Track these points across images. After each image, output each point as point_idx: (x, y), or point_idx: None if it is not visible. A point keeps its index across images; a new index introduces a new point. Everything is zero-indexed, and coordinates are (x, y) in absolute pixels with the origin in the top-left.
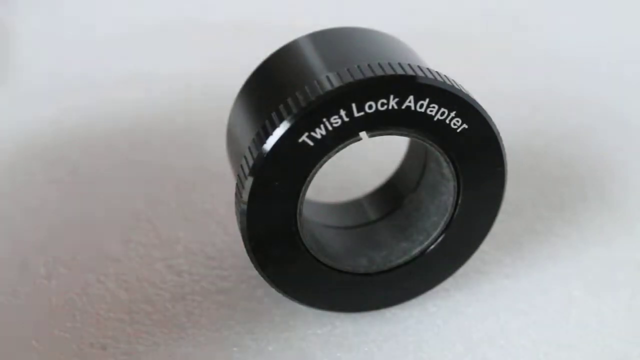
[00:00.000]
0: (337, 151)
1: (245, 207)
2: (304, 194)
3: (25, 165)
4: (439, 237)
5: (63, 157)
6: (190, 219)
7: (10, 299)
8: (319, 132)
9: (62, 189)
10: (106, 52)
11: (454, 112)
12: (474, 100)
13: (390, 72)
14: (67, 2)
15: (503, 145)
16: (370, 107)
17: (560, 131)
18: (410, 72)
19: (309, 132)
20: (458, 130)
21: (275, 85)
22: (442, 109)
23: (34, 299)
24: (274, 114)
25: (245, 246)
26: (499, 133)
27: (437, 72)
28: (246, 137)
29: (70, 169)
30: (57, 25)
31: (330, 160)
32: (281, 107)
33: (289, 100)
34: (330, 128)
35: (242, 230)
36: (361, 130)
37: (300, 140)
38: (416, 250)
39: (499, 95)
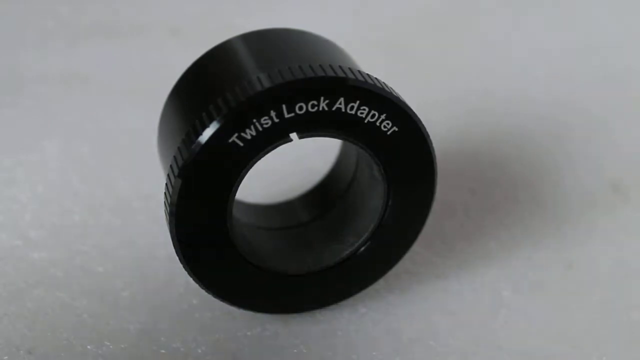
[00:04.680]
0: (268, 152)
1: (174, 208)
2: (234, 195)
3: None
4: (369, 238)
5: None
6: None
7: None
8: (249, 133)
9: None
10: None
11: (384, 115)
12: (404, 103)
13: (321, 73)
14: None
15: (433, 148)
16: (300, 108)
17: (494, 134)
18: (341, 74)
19: (239, 133)
20: (388, 133)
21: (206, 85)
22: (373, 112)
23: None
24: (204, 114)
25: (175, 247)
26: (429, 136)
27: (368, 74)
28: (176, 137)
29: None
30: None
31: (260, 161)
32: (211, 107)
33: (219, 101)
34: (260, 129)
35: (171, 231)
36: (292, 132)
37: (230, 140)
38: (347, 252)
39: (432, 99)
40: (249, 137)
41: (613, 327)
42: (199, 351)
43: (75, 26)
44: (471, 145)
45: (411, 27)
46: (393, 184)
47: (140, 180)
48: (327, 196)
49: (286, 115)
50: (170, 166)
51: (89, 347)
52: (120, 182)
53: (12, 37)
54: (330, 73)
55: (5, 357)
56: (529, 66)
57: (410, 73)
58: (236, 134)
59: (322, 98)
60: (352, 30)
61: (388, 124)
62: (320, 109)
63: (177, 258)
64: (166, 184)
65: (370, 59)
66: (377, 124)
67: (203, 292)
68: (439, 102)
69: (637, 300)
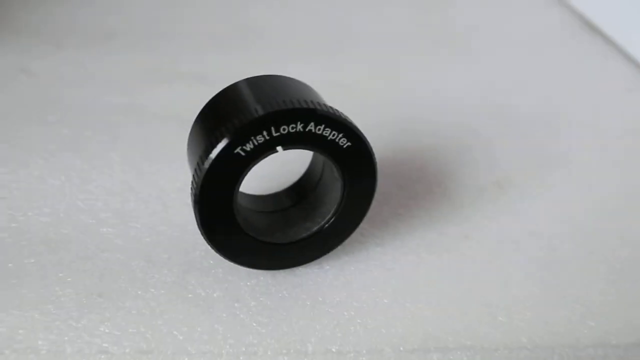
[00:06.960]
0: (261, 159)
1: (198, 197)
2: (238, 188)
3: None
4: (331, 218)
5: None
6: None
7: None
8: (248, 146)
9: None
10: None
11: (342, 134)
12: (355, 127)
13: (298, 106)
14: None
15: (375, 157)
16: (284, 129)
17: (416, 147)
18: (312, 107)
19: (242, 146)
20: (344, 147)
21: (220, 113)
22: (334, 132)
23: None
24: (218, 133)
25: (198, 225)
26: (372, 149)
27: (330, 107)
28: (199, 148)
29: None
30: None
31: (256, 166)
32: (223, 128)
33: (229, 124)
34: (256, 143)
35: (195, 214)
36: (278, 145)
37: (235, 151)
38: (316, 228)
39: (373, 123)
40: (248, 149)
41: (496, 278)
42: (215, 295)
43: (165, 71)
44: (400, 155)
45: (359, 75)
46: (347, 181)
47: (175, 179)
48: (302, 189)
49: (274, 134)
50: (195, 169)
51: (139, 292)
52: (161, 179)
53: (121, 80)
54: (305, 106)
55: (84, 300)
56: (441, 100)
57: (358, 105)
58: (240, 147)
59: (298, 122)
60: (320, 76)
61: (344, 140)
62: (298, 130)
63: (198, 233)
64: (192, 181)
65: (332, 96)
66: (337, 140)
67: (217, 255)
68: (378, 125)
69: (512, 259)
